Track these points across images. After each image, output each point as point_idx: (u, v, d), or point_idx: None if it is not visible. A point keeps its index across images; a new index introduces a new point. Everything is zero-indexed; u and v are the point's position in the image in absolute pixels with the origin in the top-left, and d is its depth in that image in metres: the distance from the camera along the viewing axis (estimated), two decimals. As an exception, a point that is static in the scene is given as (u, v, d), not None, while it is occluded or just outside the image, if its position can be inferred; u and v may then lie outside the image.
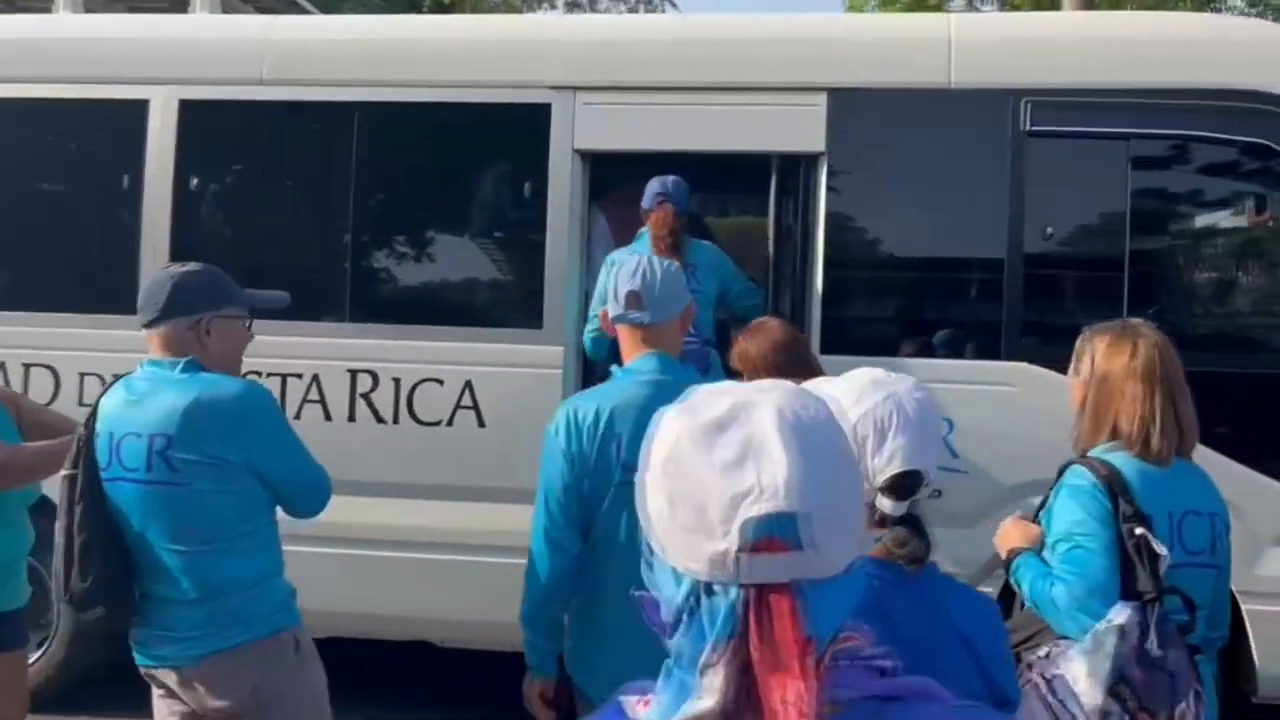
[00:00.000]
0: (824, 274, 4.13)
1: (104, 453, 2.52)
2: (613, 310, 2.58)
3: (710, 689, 0.85)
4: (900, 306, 4.23)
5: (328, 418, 4.40)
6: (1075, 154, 4.13)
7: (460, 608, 4.34)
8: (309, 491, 2.66)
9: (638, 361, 2.57)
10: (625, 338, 2.60)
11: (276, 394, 4.37)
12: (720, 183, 5.52)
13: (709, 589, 0.89)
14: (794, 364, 3.42)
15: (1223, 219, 4.18)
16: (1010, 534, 2.52)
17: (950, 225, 4.20)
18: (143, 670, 2.63)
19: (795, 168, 4.29)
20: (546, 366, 4.31)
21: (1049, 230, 4.12)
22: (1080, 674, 2.17)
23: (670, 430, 0.94)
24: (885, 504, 1.62)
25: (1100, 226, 4.17)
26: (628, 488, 2.44)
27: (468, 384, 4.34)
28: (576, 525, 2.49)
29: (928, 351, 4.11)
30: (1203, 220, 4.21)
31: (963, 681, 1.55)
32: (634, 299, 2.56)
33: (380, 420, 4.38)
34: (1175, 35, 4.07)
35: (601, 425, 2.47)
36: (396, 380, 4.38)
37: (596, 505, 2.48)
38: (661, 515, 0.92)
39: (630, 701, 0.97)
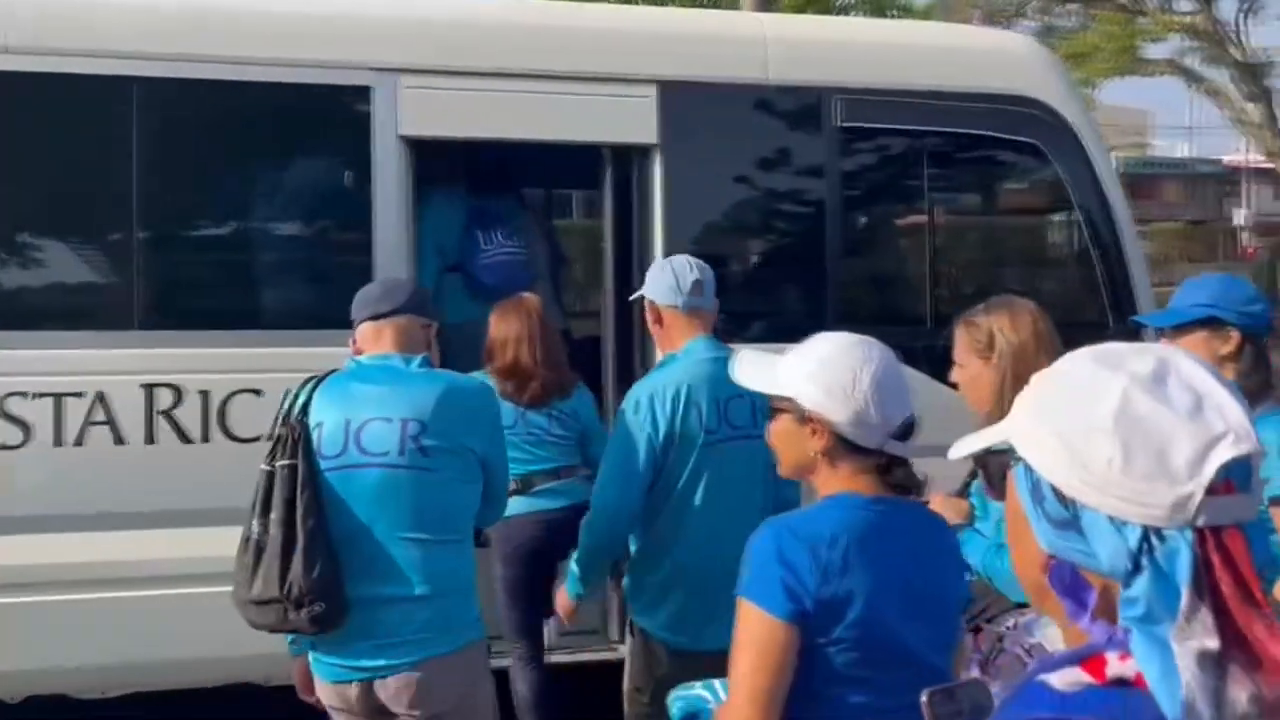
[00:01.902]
0: (665, 264, 4.17)
1: (334, 441, 2.48)
2: (676, 299, 2.92)
3: (1206, 629, 0.88)
4: (739, 296, 4.37)
5: (120, 441, 3.81)
6: (882, 148, 4.49)
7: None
8: (504, 496, 2.76)
9: (694, 344, 2.91)
10: (679, 323, 2.94)
11: (49, 417, 3.79)
12: (552, 173, 5.40)
13: (1159, 535, 0.91)
14: (549, 342, 3.82)
15: (1002, 208, 4.74)
16: (945, 512, 2.49)
17: (777, 216, 4.41)
18: (330, 687, 2.53)
19: (628, 159, 4.30)
20: (381, 369, 4.01)
21: (862, 219, 4.45)
22: (1058, 638, 2.28)
23: (1111, 385, 0.95)
24: (896, 446, 1.85)
25: (905, 215, 4.57)
26: (708, 449, 2.87)
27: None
28: (646, 490, 2.87)
29: (769, 336, 4.29)
30: (989, 209, 4.75)
31: (951, 584, 1.95)
32: (699, 288, 2.93)
33: (187, 440, 3.86)
34: (962, 44, 4.55)
35: (683, 399, 2.83)
36: (204, 394, 3.88)
37: (679, 469, 2.84)
38: (1111, 466, 0.92)
39: (1063, 674, 0.96)
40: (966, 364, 2.63)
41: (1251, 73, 20.90)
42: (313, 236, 4.16)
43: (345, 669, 2.50)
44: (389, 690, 2.47)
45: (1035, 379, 1.06)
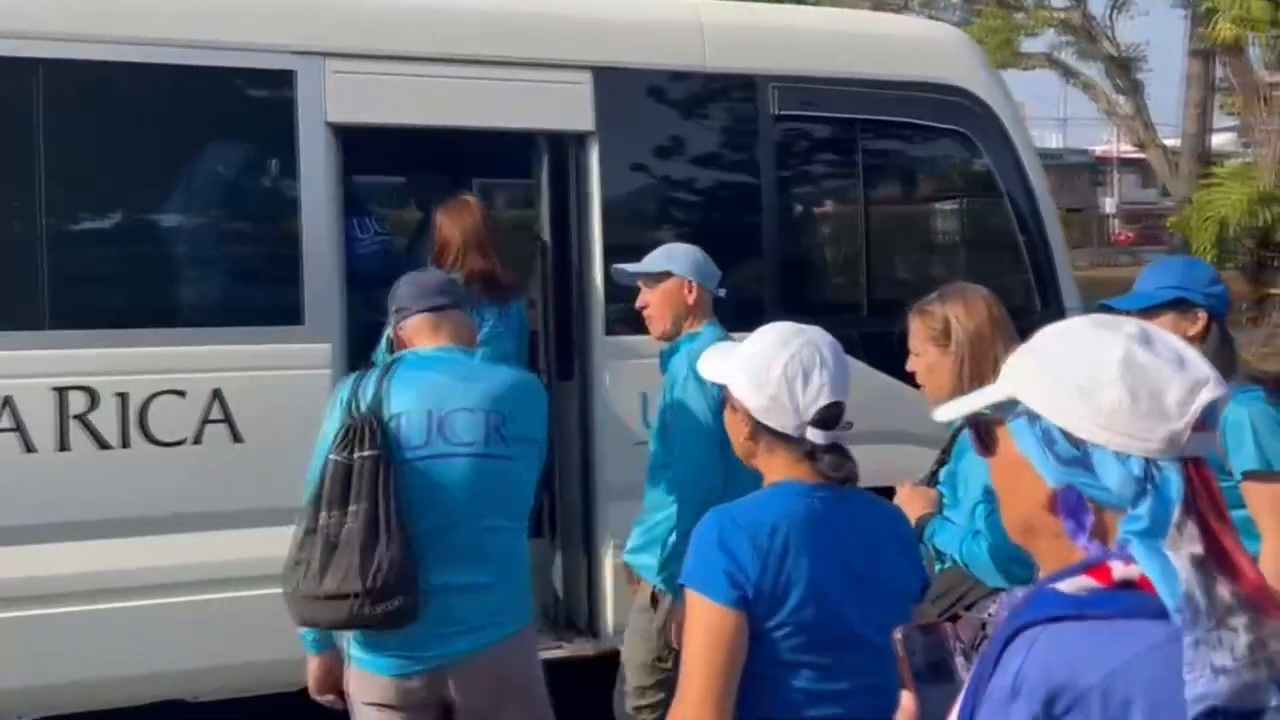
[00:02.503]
0: (604, 254, 4.10)
1: (418, 432, 2.51)
2: (712, 285, 3.32)
3: (1193, 538, 1.07)
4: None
5: (29, 449, 3.56)
6: (817, 136, 4.50)
7: (230, 652, 3.74)
8: None
9: (713, 324, 3.29)
10: (705, 306, 3.30)
11: (-52, 425, 3.51)
12: (486, 161, 5.24)
13: (1157, 465, 1.10)
14: (489, 243, 3.96)
15: (933, 195, 4.80)
16: (914, 501, 2.59)
17: (714, 204, 4.38)
18: (387, 681, 2.50)
19: (563, 146, 4.21)
20: (312, 367, 3.84)
21: (799, 207, 4.45)
22: None
23: (1114, 343, 1.14)
24: (815, 435, 1.87)
25: (841, 203, 4.59)
26: None
27: (216, 393, 3.74)
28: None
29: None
30: (921, 196, 4.81)
31: (902, 572, 1.97)
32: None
33: (104, 446, 3.63)
34: (892, 33, 4.59)
35: None
36: (122, 396, 3.65)
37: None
38: (1120, 407, 1.11)
39: (1072, 581, 1.10)
40: (923, 352, 2.64)
41: (1122, 67, 21.86)
42: (236, 229, 3.95)
43: (412, 660, 2.49)
44: (460, 676, 2.50)
45: (1024, 347, 1.20)
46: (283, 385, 3.81)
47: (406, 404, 2.52)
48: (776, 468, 1.90)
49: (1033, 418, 1.15)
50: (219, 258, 3.90)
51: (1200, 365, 1.12)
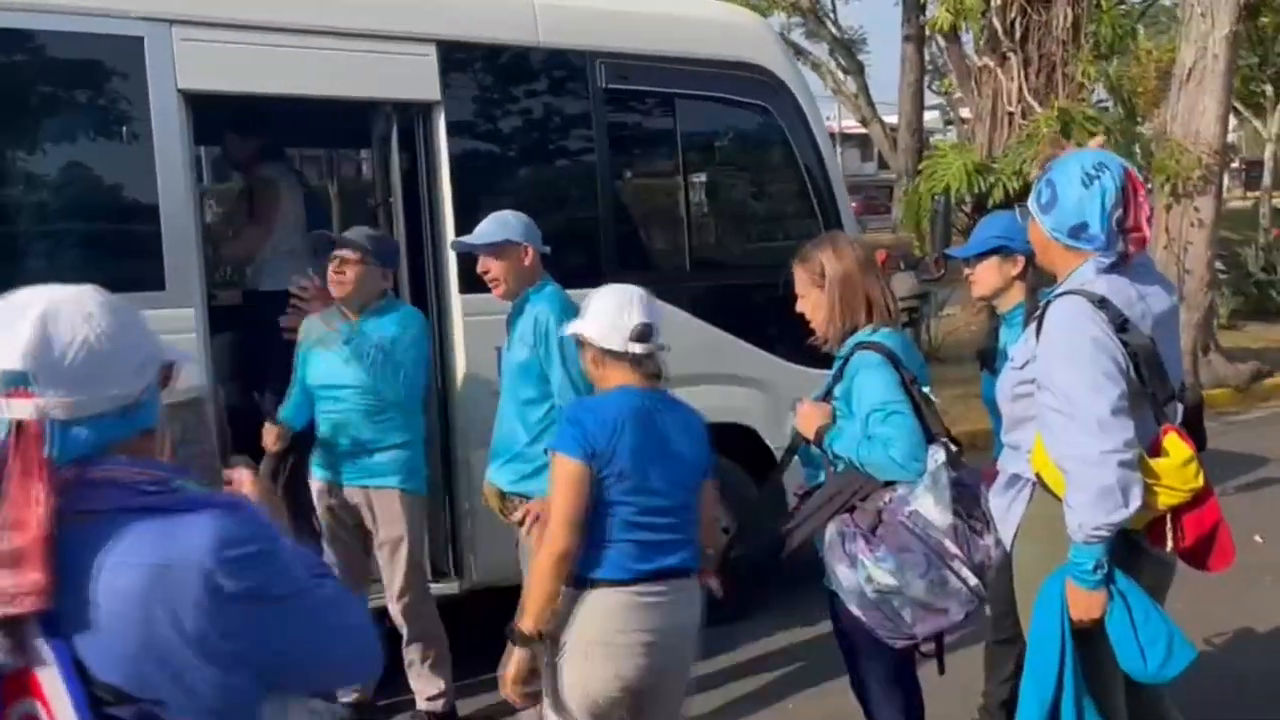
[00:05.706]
0: (455, 220, 4.34)
1: None
2: (540, 245, 3.66)
3: None
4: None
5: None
6: (640, 108, 4.90)
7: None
8: None
9: (549, 282, 3.74)
10: (537, 265, 3.70)
11: None
12: (334, 130, 5.24)
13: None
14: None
15: (741, 164, 5.31)
16: (812, 415, 2.96)
17: (551, 171, 4.70)
18: None
19: (410, 115, 4.40)
20: (176, 331, 3.88)
21: (627, 174, 4.84)
22: (930, 505, 2.74)
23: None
24: (635, 347, 2.61)
25: (662, 170, 5.01)
26: None
27: (78, 362, 3.71)
28: None
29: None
30: (731, 164, 5.31)
31: (698, 453, 2.74)
32: None
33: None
34: (704, 15, 5.04)
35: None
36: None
37: None
38: None
39: None
40: (807, 294, 3.02)
41: (846, 48, 23.62)
42: (91, 198, 3.89)
43: None
44: None
45: None
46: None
47: None
48: (613, 379, 2.65)
49: None
50: (75, 228, 3.85)
51: (14, 342, 1.21)
